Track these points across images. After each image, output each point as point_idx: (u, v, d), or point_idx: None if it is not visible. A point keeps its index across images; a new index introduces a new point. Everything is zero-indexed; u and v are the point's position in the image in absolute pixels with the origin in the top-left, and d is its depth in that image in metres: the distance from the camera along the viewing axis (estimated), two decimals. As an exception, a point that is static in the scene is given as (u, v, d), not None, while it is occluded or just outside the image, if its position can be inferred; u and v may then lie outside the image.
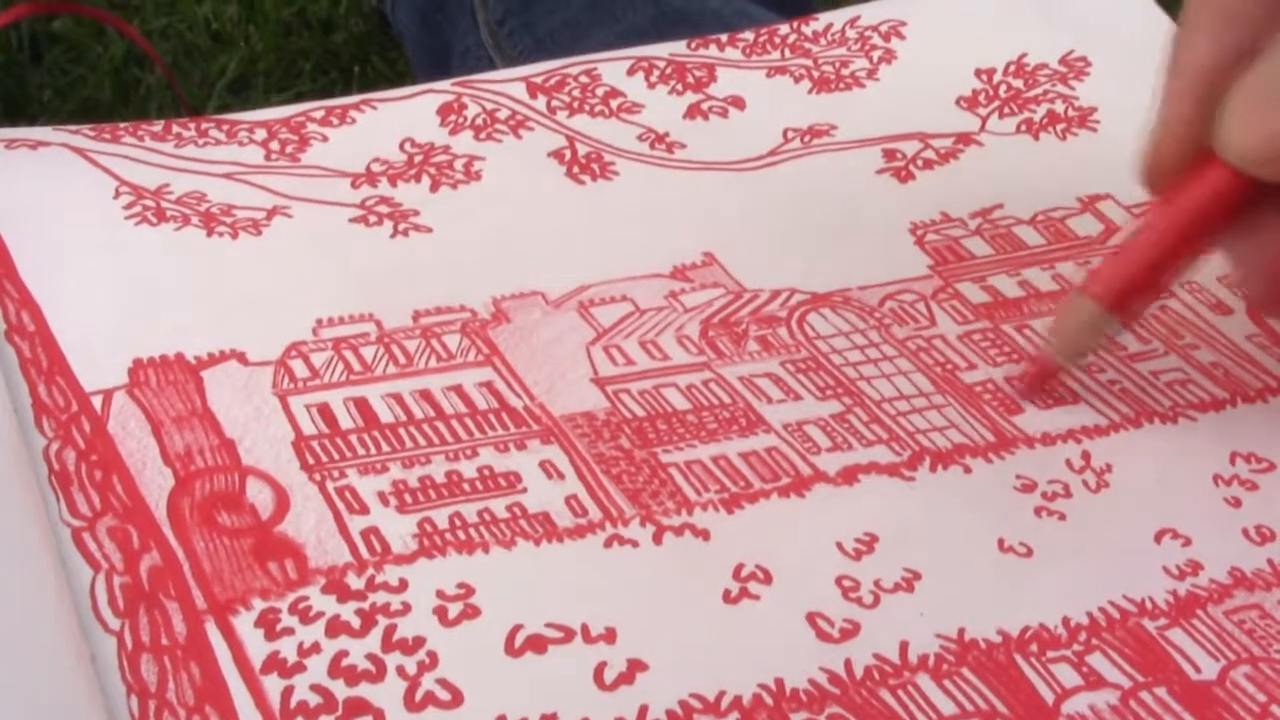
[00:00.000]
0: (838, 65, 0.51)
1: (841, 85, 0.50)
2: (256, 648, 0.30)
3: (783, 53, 0.51)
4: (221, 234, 0.41)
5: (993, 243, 0.44)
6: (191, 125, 0.46)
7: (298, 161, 0.45)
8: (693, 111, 0.49)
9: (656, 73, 0.50)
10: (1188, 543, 0.35)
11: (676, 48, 0.51)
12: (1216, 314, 0.42)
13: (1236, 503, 0.37)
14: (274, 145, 0.45)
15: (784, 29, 0.53)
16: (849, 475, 0.36)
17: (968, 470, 0.37)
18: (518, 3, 0.76)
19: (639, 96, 0.49)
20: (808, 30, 0.53)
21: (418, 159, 0.45)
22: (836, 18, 0.53)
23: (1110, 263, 0.38)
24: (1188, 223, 0.37)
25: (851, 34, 0.52)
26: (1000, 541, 0.35)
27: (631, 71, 0.50)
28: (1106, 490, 0.36)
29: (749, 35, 0.52)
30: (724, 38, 0.52)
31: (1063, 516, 0.36)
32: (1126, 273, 0.38)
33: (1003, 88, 0.50)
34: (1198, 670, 0.32)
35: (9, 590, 0.31)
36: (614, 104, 0.49)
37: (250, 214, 0.42)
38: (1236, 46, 0.36)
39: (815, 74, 0.50)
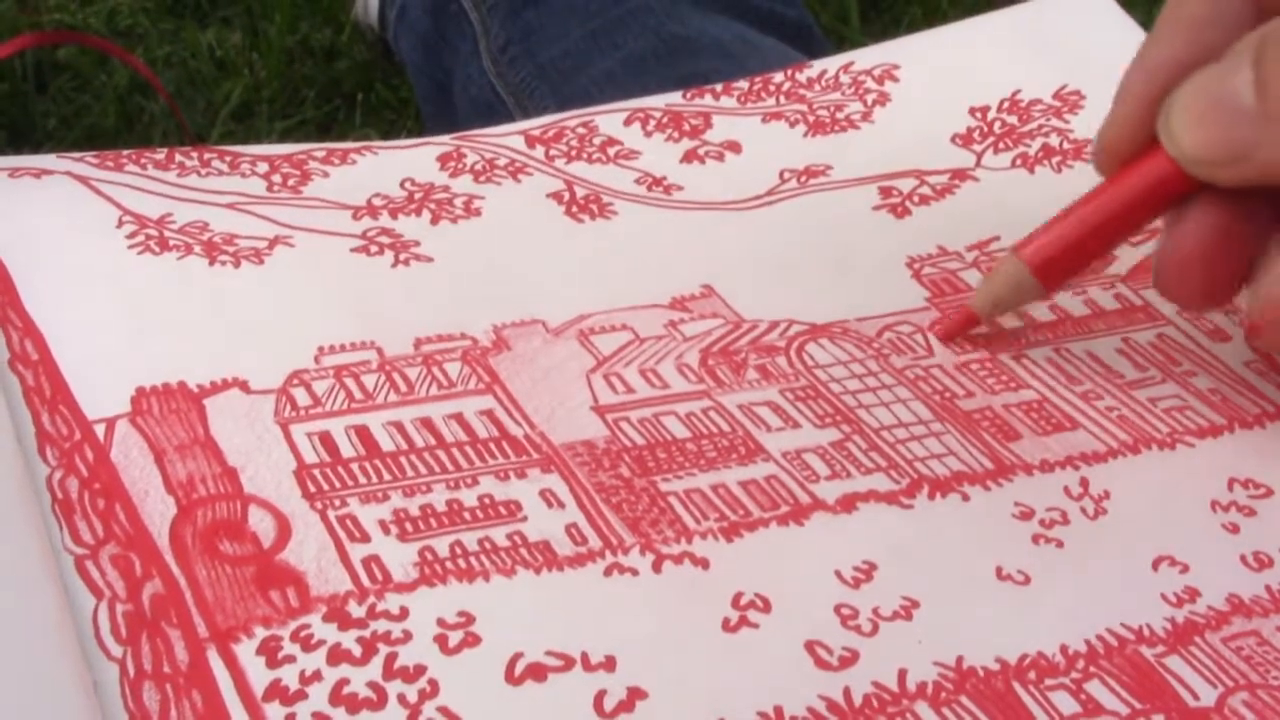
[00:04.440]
0: (832, 109, 0.51)
1: (837, 128, 0.51)
2: (258, 675, 0.30)
3: (778, 99, 0.52)
4: (224, 263, 0.41)
5: None
6: (194, 154, 0.46)
7: (299, 194, 0.45)
8: (689, 156, 0.49)
9: (653, 122, 0.50)
10: (1185, 569, 0.35)
11: (672, 99, 0.52)
12: (1214, 341, 0.43)
13: (1234, 529, 0.37)
14: (276, 178, 0.46)
15: (778, 77, 0.53)
16: (848, 503, 0.36)
17: (966, 498, 0.37)
18: (519, 31, 0.76)
19: (636, 144, 0.50)
20: (802, 77, 0.53)
21: (418, 195, 0.46)
22: (830, 64, 0.54)
23: (1045, 230, 0.40)
24: (1123, 205, 0.39)
25: (845, 79, 0.53)
26: (998, 569, 0.35)
27: (628, 122, 0.50)
28: (1104, 517, 0.37)
29: (744, 84, 0.53)
30: (719, 87, 0.53)
31: (1060, 544, 0.36)
32: (1058, 242, 0.40)
33: (997, 124, 0.51)
34: (1196, 697, 0.32)
35: (12, 618, 0.31)
36: (611, 151, 0.49)
37: (252, 243, 0.42)
38: (1197, 51, 0.38)
39: (810, 118, 0.51)
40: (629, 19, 0.73)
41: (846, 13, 1.10)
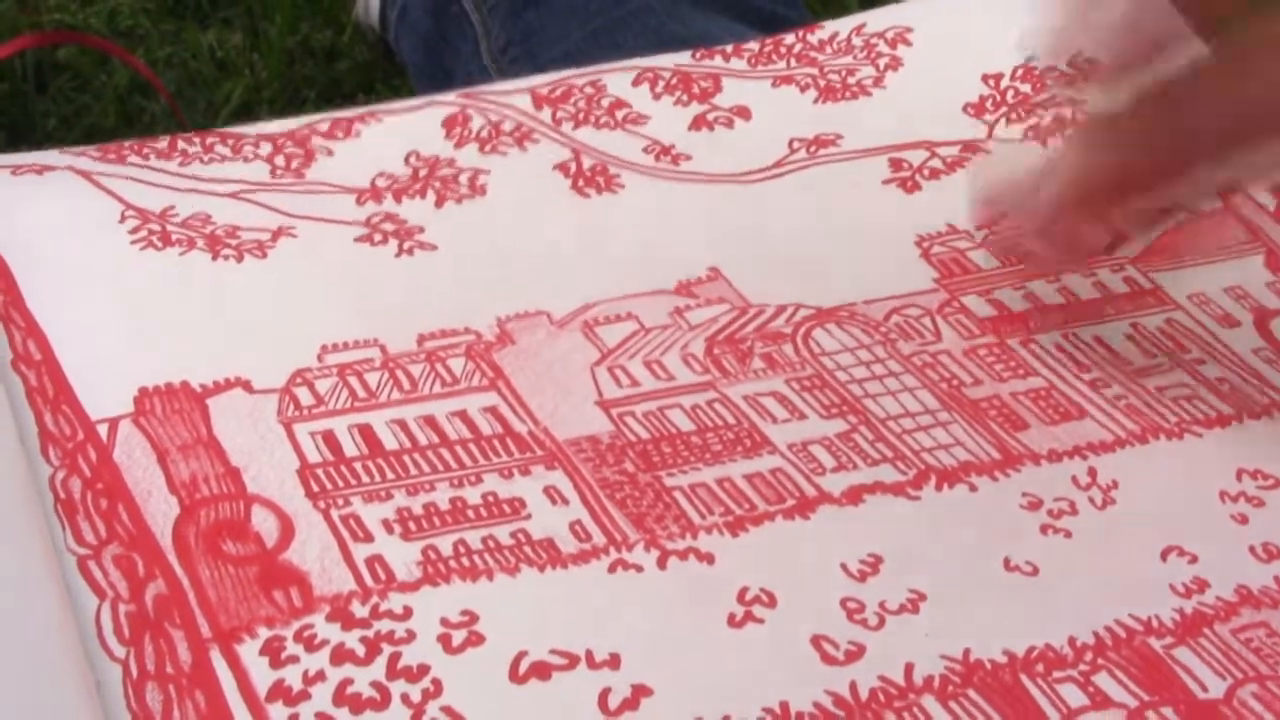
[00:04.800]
0: (844, 74, 0.51)
1: (848, 94, 0.50)
2: (261, 676, 0.30)
3: (788, 62, 0.51)
4: (227, 257, 0.41)
5: (999, 254, 0.44)
6: (197, 140, 0.46)
7: (303, 178, 0.45)
8: (699, 122, 0.49)
9: (662, 83, 0.50)
10: (1194, 560, 0.35)
11: (681, 59, 0.51)
12: (1224, 327, 0.42)
13: (1243, 519, 0.36)
14: (279, 160, 0.45)
15: (789, 39, 0.52)
16: (854, 495, 0.36)
17: (973, 489, 0.36)
18: (520, 32, 0.76)
19: (644, 107, 0.49)
20: (813, 39, 0.52)
21: (423, 173, 0.45)
22: (842, 26, 0.53)
23: None
24: None
25: (858, 41, 0.52)
26: (1006, 561, 0.34)
27: (637, 82, 0.50)
28: (1112, 508, 0.36)
29: (754, 45, 0.52)
30: (729, 48, 0.52)
31: (1069, 534, 0.35)
32: None
33: (1010, 93, 0.50)
34: (1205, 689, 0.32)
35: (14, 618, 0.31)
36: (619, 115, 0.49)
37: (255, 235, 0.42)
38: None
39: (821, 83, 0.50)
40: (630, 20, 0.73)
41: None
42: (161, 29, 0.99)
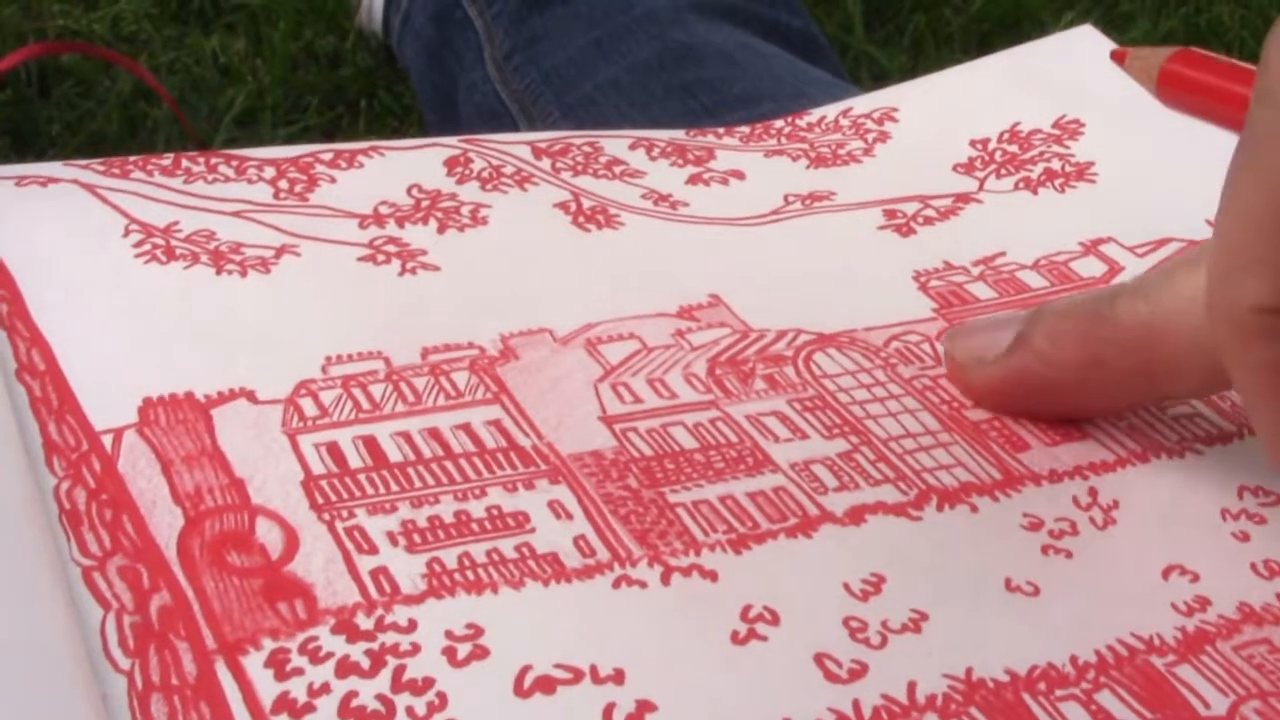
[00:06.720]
0: (834, 147, 0.52)
1: (839, 162, 0.51)
2: (266, 688, 0.30)
3: (779, 140, 0.53)
4: (230, 272, 0.41)
5: (996, 287, 0.45)
6: (201, 160, 0.46)
7: (306, 201, 0.45)
8: (694, 180, 0.49)
9: (657, 149, 0.51)
10: (1196, 579, 0.35)
11: (675, 134, 0.53)
12: None
13: (1244, 537, 0.37)
14: (283, 184, 0.46)
15: (779, 123, 0.54)
16: (856, 515, 0.36)
17: (974, 509, 0.37)
18: (524, 38, 0.76)
19: (641, 165, 0.50)
20: (802, 122, 0.54)
21: (425, 204, 0.46)
22: (829, 110, 0.55)
23: None
24: None
25: (845, 122, 0.54)
26: (1007, 581, 0.35)
27: (633, 147, 0.51)
28: (1113, 527, 0.37)
29: (745, 129, 0.54)
30: (721, 130, 0.53)
31: (1070, 554, 0.36)
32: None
33: (998, 153, 0.51)
34: (1207, 706, 0.32)
35: (19, 630, 0.31)
36: (617, 169, 0.49)
37: (259, 252, 0.42)
38: None
39: (812, 154, 0.52)
40: (634, 27, 0.73)
41: (850, 22, 1.10)
42: (164, 35, 0.99)
